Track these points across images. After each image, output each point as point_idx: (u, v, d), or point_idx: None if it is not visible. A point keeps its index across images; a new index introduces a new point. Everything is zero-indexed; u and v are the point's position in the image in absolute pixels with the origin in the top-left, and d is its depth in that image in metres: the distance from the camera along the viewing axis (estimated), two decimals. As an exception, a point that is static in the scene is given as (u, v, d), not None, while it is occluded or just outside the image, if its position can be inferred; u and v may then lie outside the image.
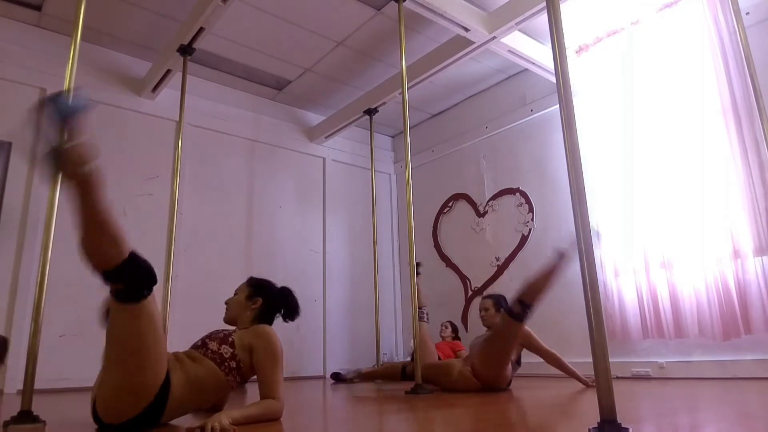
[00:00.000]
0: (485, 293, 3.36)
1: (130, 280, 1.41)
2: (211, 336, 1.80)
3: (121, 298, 1.43)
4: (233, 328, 1.93)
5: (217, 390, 1.73)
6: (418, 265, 3.39)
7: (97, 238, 1.36)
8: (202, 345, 1.77)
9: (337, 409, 2.29)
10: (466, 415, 1.90)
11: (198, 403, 1.72)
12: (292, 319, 1.97)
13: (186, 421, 1.74)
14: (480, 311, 3.23)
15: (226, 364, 1.71)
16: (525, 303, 2.66)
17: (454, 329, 4.59)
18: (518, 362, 3.08)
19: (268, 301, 1.95)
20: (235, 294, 2.00)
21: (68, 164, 1.29)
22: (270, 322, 1.95)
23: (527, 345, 3.07)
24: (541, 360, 3.11)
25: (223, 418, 1.46)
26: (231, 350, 1.74)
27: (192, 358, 1.72)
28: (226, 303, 1.98)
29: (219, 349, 1.73)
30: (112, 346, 1.49)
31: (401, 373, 3.43)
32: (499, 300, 3.22)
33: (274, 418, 1.69)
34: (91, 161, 1.32)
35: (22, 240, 3.61)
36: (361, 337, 5.17)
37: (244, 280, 2.03)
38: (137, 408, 1.51)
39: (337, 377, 4.11)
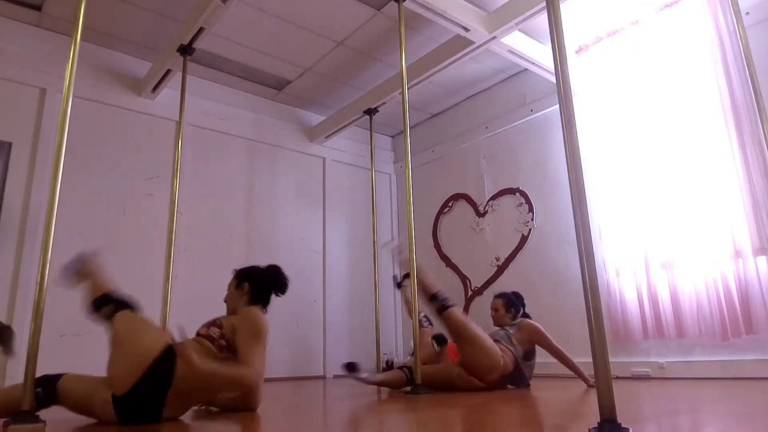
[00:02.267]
0: (496, 292, 3.35)
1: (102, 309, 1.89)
2: (204, 324, 1.99)
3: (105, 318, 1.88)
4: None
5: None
6: (405, 277, 3.33)
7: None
8: (197, 333, 1.98)
9: (337, 409, 2.29)
10: (466, 415, 1.90)
11: (208, 387, 1.80)
12: (283, 293, 2.11)
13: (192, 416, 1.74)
14: (491, 310, 3.25)
15: (216, 342, 1.90)
16: (433, 296, 2.87)
17: None
18: (526, 358, 3.04)
19: (256, 283, 2.08)
20: (227, 290, 2.14)
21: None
22: (266, 302, 2.08)
23: (537, 341, 3.07)
24: (542, 361, 3.10)
25: (195, 356, 1.66)
26: (219, 330, 1.92)
27: (196, 343, 1.90)
28: (224, 301, 2.13)
29: (208, 331, 1.92)
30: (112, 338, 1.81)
31: (407, 379, 3.36)
32: (510, 299, 3.22)
33: (244, 384, 1.80)
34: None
35: (22, 240, 3.61)
36: (361, 337, 5.17)
37: None
38: (138, 370, 1.65)
39: (351, 368, 4.04)
